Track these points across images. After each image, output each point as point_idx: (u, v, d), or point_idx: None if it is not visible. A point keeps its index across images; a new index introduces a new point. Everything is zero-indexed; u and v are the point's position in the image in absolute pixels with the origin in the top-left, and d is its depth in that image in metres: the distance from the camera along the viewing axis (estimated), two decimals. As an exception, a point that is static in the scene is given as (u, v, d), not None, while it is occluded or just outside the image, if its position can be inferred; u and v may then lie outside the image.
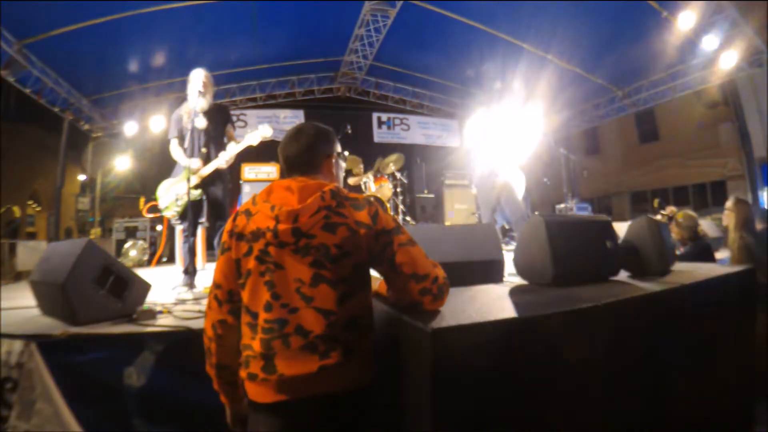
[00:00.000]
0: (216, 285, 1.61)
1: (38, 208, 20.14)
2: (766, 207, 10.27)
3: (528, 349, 1.32)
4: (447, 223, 8.96)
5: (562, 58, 9.79)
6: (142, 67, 9.13)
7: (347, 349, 1.44)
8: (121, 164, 13.56)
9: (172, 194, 4.17)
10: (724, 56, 8.74)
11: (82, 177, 17.93)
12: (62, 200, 10.99)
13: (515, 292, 1.89)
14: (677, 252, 4.67)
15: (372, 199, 1.61)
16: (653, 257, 2.46)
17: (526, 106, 6.79)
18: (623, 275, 2.42)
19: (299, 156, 1.68)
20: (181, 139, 4.19)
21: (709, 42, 8.47)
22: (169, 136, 4.25)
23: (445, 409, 1.17)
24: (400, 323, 1.45)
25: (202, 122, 4.11)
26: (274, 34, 9.45)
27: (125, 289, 2.88)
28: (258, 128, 4.08)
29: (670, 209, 6.30)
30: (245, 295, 1.52)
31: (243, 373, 1.49)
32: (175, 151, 4.18)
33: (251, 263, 1.50)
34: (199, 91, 4.07)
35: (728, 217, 4.69)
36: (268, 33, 9.29)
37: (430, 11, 8.89)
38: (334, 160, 1.75)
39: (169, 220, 4.65)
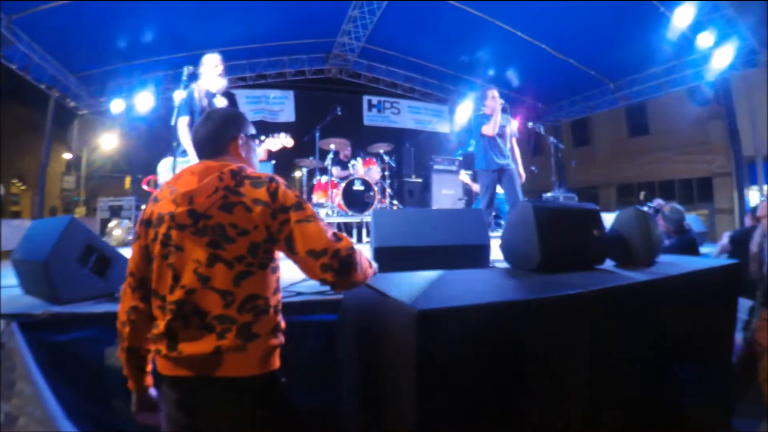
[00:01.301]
0: (129, 273, 1.62)
1: (23, 187, 19.84)
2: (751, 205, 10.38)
3: (515, 333, 1.32)
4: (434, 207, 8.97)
5: (555, 48, 9.78)
6: (130, 44, 9.00)
7: (245, 331, 1.45)
8: (108, 143, 13.38)
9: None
10: (718, 54, 8.73)
11: (67, 156, 17.69)
12: (47, 179, 10.83)
13: (502, 277, 1.89)
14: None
15: (276, 176, 1.59)
16: (640, 247, 2.47)
17: (518, 95, 6.81)
18: (609, 264, 2.43)
19: (206, 139, 1.70)
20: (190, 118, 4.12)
21: (705, 39, 8.46)
22: (178, 115, 4.10)
23: (429, 391, 1.16)
24: (381, 303, 1.43)
25: (222, 103, 4.11)
26: (267, 13, 9.29)
27: (108, 268, 2.83)
28: (281, 135, 4.27)
29: (658, 202, 6.33)
30: (153, 280, 1.54)
31: (152, 347, 1.54)
32: (185, 133, 4.07)
33: (157, 248, 1.52)
34: (219, 75, 4.12)
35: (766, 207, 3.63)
36: (260, 11, 9.14)
37: (423, -6, 8.81)
38: (241, 142, 1.74)
39: None
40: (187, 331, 1.45)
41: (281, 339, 1.57)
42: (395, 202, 8.57)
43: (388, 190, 8.22)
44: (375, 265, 1.69)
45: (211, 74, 4.11)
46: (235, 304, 1.45)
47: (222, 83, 4.15)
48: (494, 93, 5.64)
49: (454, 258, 2.59)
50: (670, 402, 1.96)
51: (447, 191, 9.55)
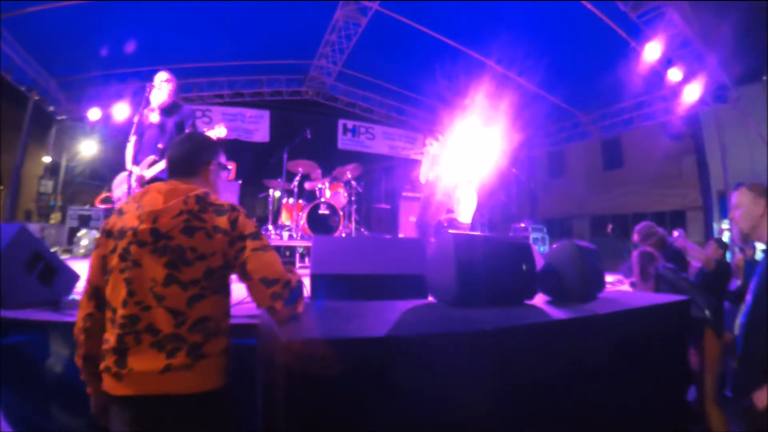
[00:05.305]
0: (87, 281, 1.69)
1: (0, 187, 19.45)
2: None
3: (388, 369, 1.33)
4: (400, 235, 8.94)
5: (528, 80, 9.98)
6: (110, 53, 9.06)
7: (194, 351, 1.51)
8: (87, 149, 13.24)
9: (126, 186, 4.18)
10: (687, 89, 8.95)
11: (47, 159, 17.43)
12: (24, 181, 10.70)
13: (411, 310, 1.89)
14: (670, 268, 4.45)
15: (237, 205, 1.67)
16: (573, 283, 2.47)
17: (489, 124, 6.94)
18: (543, 300, 2.43)
19: (180, 159, 1.78)
20: (140, 138, 4.21)
21: (674, 74, 8.67)
22: (130, 135, 4.22)
23: (297, 419, 1.20)
24: (270, 331, 1.48)
25: (156, 117, 4.16)
26: (247, 32, 9.44)
27: (54, 277, 2.87)
28: (214, 128, 4.21)
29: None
30: (107, 291, 1.59)
31: (101, 366, 1.55)
32: (128, 151, 4.19)
33: (114, 260, 1.58)
34: (153, 87, 4.16)
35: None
36: (241, 31, 9.29)
37: (399, 22, 9.02)
38: (212, 168, 1.83)
39: None
40: (138, 348, 1.49)
41: (228, 360, 1.63)
42: (362, 228, 8.55)
43: (355, 216, 8.19)
44: None
45: (152, 93, 4.18)
46: (187, 324, 1.51)
47: (158, 99, 4.19)
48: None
49: (392, 287, 2.60)
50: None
51: (413, 218, 9.53)
